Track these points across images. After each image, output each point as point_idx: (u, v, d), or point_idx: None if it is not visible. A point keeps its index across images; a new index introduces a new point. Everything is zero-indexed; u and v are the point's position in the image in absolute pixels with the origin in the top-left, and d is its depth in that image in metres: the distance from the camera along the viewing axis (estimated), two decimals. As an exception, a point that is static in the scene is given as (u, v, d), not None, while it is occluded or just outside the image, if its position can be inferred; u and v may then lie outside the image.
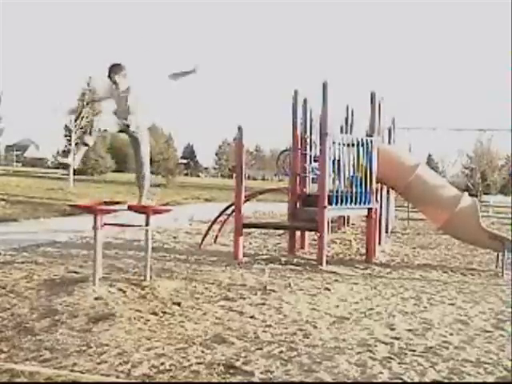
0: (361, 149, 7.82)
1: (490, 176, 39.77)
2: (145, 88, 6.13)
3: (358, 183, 7.71)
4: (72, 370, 3.13)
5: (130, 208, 5.69)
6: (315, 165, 8.47)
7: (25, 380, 2.97)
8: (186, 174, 68.19)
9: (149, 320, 4.19)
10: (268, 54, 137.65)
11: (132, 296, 4.88)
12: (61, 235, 8.77)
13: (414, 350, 3.74)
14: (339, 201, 7.36)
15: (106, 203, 5.89)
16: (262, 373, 3.21)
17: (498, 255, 7.51)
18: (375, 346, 3.80)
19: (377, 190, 8.21)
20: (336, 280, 6.16)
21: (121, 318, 4.15)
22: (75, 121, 27.19)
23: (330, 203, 7.20)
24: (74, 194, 19.00)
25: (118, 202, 6.19)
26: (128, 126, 5.75)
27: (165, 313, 4.41)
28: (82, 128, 27.06)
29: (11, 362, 3.22)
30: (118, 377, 3.09)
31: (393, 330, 4.24)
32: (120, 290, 5.00)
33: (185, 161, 74.00)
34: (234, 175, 7.99)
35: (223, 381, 3.10)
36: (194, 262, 6.99)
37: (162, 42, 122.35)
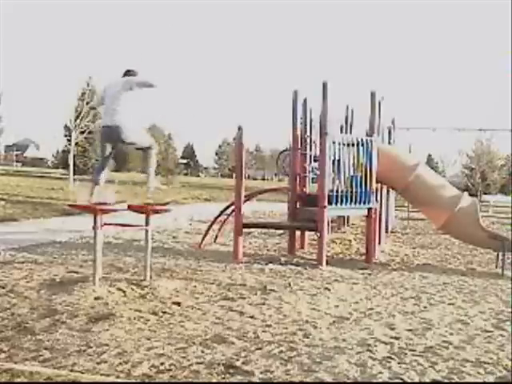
0: (361, 149, 7.82)
1: (490, 176, 39.79)
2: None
3: (358, 183, 7.71)
4: (72, 370, 3.13)
5: (130, 208, 5.69)
6: (315, 165, 8.47)
7: (25, 380, 2.97)
8: (186, 174, 68.15)
9: (149, 320, 4.19)
10: (268, 54, 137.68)
11: (132, 296, 4.88)
12: (61, 235, 8.77)
13: (414, 350, 3.74)
14: (339, 201, 7.36)
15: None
16: (261, 373, 3.21)
17: (497, 255, 7.51)
18: (375, 345, 3.80)
19: (377, 189, 8.21)
20: (336, 280, 6.16)
21: (121, 318, 4.15)
22: (75, 121, 27.14)
23: (329, 203, 7.20)
24: (74, 194, 18.97)
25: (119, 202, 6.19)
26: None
27: (165, 313, 4.41)
28: (82, 127, 27.02)
29: (11, 362, 3.22)
30: (118, 377, 3.09)
31: (393, 329, 4.23)
32: (120, 289, 5.00)
33: (185, 161, 73.92)
34: (234, 175, 7.99)
35: (223, 381, 3.10)
36: (194, 261, 6.99)
37: (162, 43, 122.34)
